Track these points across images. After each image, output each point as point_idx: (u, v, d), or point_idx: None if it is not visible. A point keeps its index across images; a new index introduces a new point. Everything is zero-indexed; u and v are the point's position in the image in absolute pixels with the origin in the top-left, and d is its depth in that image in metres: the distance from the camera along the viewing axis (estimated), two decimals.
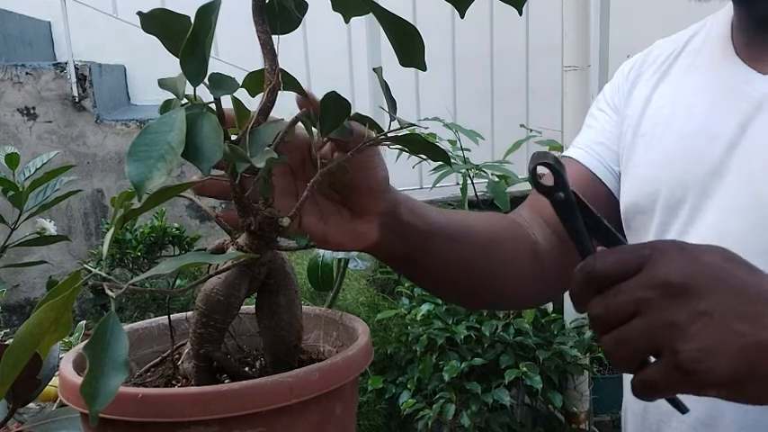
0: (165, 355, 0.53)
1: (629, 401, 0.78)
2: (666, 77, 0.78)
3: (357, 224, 0.59)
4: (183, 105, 0.40)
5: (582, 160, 0.80)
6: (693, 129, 0.70)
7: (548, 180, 0.48)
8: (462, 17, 0.48)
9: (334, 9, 0.49)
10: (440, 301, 1.85)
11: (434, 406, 1.69)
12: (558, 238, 0.77)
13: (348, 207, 0.59)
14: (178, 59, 0.40)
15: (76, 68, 2.31)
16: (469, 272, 0.71)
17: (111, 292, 0.39)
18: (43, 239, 1.08)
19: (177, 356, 0.51)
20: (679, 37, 0.81)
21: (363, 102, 2.01)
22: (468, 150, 2.12)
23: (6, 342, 0.71)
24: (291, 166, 0.57)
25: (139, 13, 0.40)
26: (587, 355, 1.91)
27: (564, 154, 0.83)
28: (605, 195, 0.79)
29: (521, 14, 0.46)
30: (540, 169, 0.47)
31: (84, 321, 1.03)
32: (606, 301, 0.47)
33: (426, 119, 2.11)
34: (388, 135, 0.51)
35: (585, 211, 0.49)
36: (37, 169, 1.05)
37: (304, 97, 0.50)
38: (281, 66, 0.45)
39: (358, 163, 0.55)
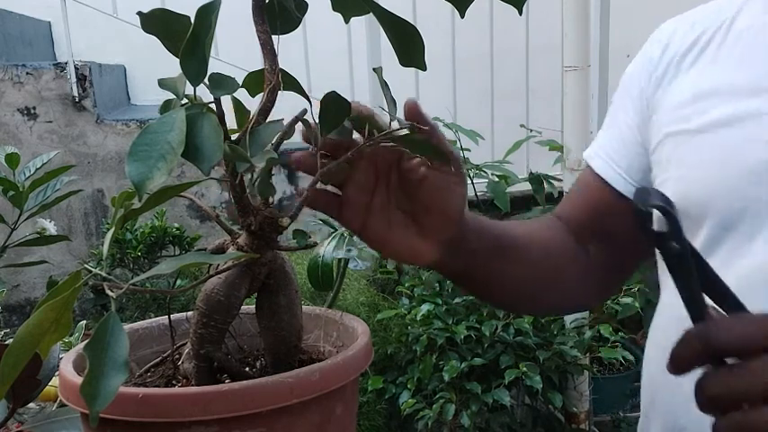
0: (165, 355, 0.53)
1: None
2: (717, 62, 0.66)
3: (420, 241, 0.58)
4: (183, 105, 0.40)
5: (600, 171, 0.75)
6: (759, 132, 0.60)
7: (659, 224, 0.42)
8: (462, 17, 0.48)
9: (334, 9, 0.49)
10: (440, 301, 1.85)
11: (434, 406, 1.69)
12: (600, 242, 0.76)
13: (417, 222, 0.58)
14: (178, 59, 0.40)
15: (76, 68, 2.31)
16: (526, 287, 0.71)
17: (112, 292, 0.39)
18: (43, 239, 1.08)
19: (177, 356, 0.51)
20: (715, 12, 0.69)
21: (363, 102, 2.00)
22: (468, 150, 2.12)
23: (6, 342, 0.71)
24: (367, 179, 0.57)
25: (139, 13, 0.40)
26: (587, 355, 1.91)
27: (585, 158, 0.78)
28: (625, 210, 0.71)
29: (521, 14, 0.46)
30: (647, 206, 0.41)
31: (85, 321, 1.03)
32: (732, 380, 0.41)
33: None
34: (388, 135, 0.51)
35: (701, 265, 0.43)
36: (37, 169, 1.05)
37: (304, 97, 0.50)
38: (281, 66, 0.45)
39: (439, 182, 0.55)
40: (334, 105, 0.48)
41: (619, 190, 0.73)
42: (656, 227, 0.42)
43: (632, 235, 0.70)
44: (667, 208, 0.41)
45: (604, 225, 0.75)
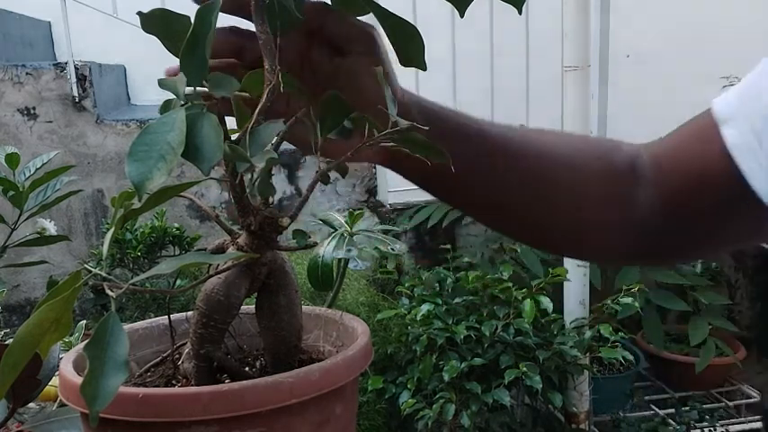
0: (165, 355, 0.53)
1: None
2: None
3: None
4: (182, 105, 0.40)
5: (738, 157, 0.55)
6: None
7: None
8: (462, 16, 0.48)
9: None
10: (440, 301, 1.85)
11: (434, 406, 1.69)
12: (668, 207, 0.60)
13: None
14: (178, 59, 0.40)
15: (76, 68, 2.31)
16: (527, 196, 0.58)
17: (112, 292, 0.39)
18: (43, 239, 1.08)
19: (177, 356, 0.51)
20: None
21: None
22: None
23: (6, 342, 0.71)
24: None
25: (139, 13, 0.40)
26: (587, 355, 1.91)
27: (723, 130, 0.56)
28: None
29: (520, 14, 0.46)
30: None
31: (85, 321, 1.03)
32: None
33: None
34: (388, 135, 0.51)
35: None
36: (37, 169, 1.05)
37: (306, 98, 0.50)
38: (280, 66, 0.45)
39: (352, 69, 0.49)
40: (334, 106, 0.48)
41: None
42: None
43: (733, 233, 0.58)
44: None
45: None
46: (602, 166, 0.62)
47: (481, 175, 0.58)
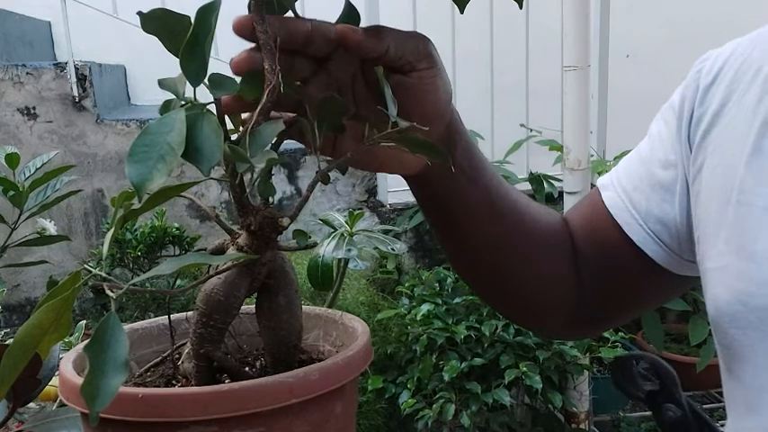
0: (165, 354, 0.53)
1: None
2: None
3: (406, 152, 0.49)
4: (182, 106, 0.40)
5: (611, 207, 0.64)
6: None
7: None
8: (462, 12, 0.48)
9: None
10: (440, 301, 1.85)
11: (434, 406, 1.69)
12: (599, 263, 0.66)
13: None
14: (178, 60, 0.40)
15: (76, 68, 2.31)
16: (500, 252, 0.63)
17: (112, 292, 0.39)
18: (43, 239, 1.08)
19: (177, 356, 0.51)
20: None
21: None
22: None
23: (6, 342, 0.71)
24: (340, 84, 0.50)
25: (139, 13, 0.40)
26: (587, 354, 1.91)
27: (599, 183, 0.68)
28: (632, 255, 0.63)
29: (521, 8, 0.46)
30: None
31: (85, 321, 1.03)
32: None
33: None
34: (388, 135, 0.51)
35: None
36: (37, 169, 1.05)
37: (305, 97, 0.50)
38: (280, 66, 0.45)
39: (415, 86, 0.49)
40: (332, 106, 0.48)
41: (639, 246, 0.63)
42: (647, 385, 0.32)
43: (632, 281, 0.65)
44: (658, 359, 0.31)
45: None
46: (549, 220, 0.67)
47: (476, 219, 0.61)
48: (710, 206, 0.55)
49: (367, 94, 0.52)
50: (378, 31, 0.47)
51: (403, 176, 0.58)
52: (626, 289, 0.67)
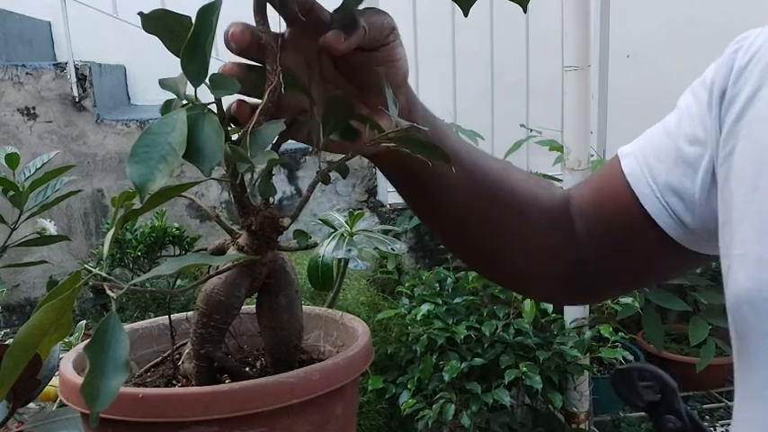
0: (165, 355, 0.53)
1: None
2: None
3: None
4: (183, 106, 0.40)
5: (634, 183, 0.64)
6: None
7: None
8: (466, 15, 0.48)
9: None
10: (440, 301, 1.85)
11: (434, 406, 1.69)
12: (607, 235, 0.66)
13: (364, 104, 0.53)
14: (179, 59, 0.40)
15: (76, 68, 2.31)
16: (478, 217, 0.63)
17: (112, 292, 0.39)
18: (43, 239, 1.08)
19: (178, 356, 0.51)
20: None
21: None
22: None
23: (6, 342, 0.71)
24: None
25: (140, 14, 0.40)
26: (587, 355, 1.91)
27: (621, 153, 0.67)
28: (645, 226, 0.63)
29: (525, 12, 0.46)
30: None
31: (85, 321, 1.03)
32: None
33: None
34: (389, 135, 0.51)
35: None
36: (37, 169, 1.05)
37: (307, 97, 0.50)
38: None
39: (377, 58, 0.50)
40: (338, 107, 0.48)
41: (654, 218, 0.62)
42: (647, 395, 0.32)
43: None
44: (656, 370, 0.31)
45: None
46: (546, 196, 0.68)
47: (450, 186, 0.61)
48: (739, 191, 0.54)
49: (334, 72, 0.52)
50: (354, 25, 0.48)
51: (370, 159, 0.59)
52: (634, 262, 0.67)
